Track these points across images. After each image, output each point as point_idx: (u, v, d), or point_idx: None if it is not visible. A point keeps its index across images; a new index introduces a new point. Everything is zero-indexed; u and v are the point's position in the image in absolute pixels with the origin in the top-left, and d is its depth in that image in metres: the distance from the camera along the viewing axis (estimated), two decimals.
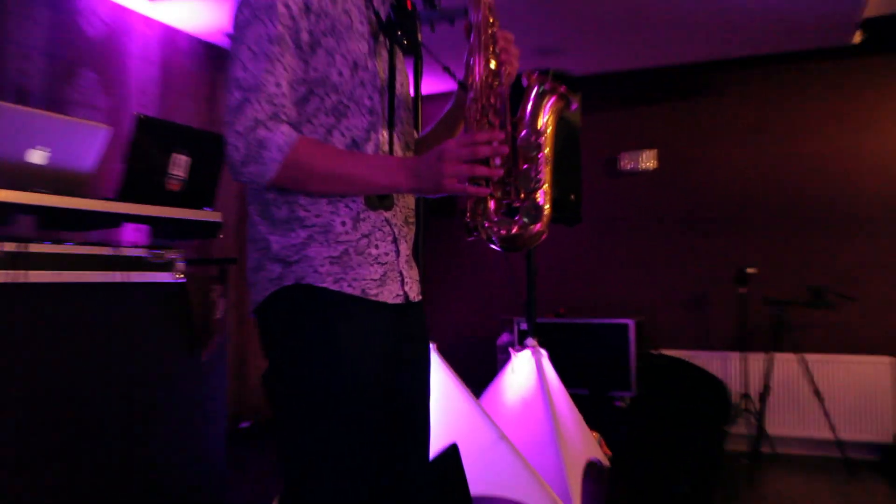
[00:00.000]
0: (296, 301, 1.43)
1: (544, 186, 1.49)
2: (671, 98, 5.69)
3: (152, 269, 2.78)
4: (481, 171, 1.38)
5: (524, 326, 4.98)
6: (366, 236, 1.48)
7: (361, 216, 1.48)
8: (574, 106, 1.59)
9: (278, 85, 1.40)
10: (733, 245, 5.42)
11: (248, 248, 1.54)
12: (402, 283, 1.55)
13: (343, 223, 1.46)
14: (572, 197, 3.95)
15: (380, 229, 1.51)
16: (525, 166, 1.49)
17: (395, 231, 1.55)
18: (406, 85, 1.67)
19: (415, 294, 1.60)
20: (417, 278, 1.65)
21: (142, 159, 2.79)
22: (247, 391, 5.26)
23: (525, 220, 1.48)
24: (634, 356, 5.07)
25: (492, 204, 1.49)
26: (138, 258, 2.73)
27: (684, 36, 5.12)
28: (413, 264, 1.62)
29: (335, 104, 1.47)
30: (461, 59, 1.59)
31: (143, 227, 4.11)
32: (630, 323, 5.10)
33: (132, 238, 4.17)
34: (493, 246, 1.53)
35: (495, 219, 1.49)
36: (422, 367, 1.64)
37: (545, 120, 1.54)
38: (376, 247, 1.49)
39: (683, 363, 5.22)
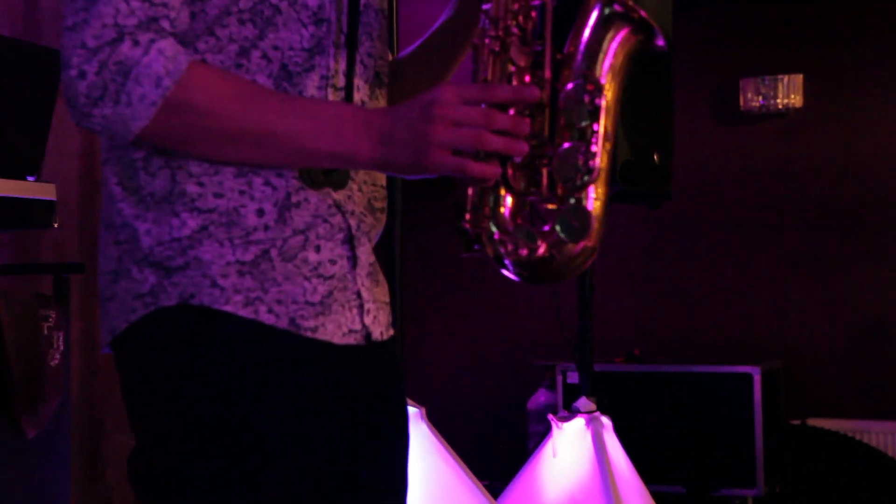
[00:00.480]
0: (180, 333, 1.46)
1: (599, 182, 1.49)
2: None
3: None
4: (495, 142, 1.40)
5: (574, 379, 5.03)
6: (300, 232, 1.49)
7: (293, 199, 1.49)
8: (661, 42, 1.56)
9: None
10: None
11: (102, 238, 1.55)
12: (361, 310, 1.56)
13: (260, 212, 1.48)
14: (656, 157, 4.01)
15: (325, 220, 1.52)
16: (569, 144, 1.48)
17: (353, 224, 1.55)
18: None
19: (381, 328, 1.63)
20: (386, 299, 1.67)
21: None
22: (103, 487, 5.30)
23: (562, 233, 1.47)
24: (762, 430, 5.12)
25: (508, 201, 1.50)
26: None
27: None
28: (379, 277, 1.64)
29: (257, 3, 1.49)
30: None
31: None
32: (755, 372, 5.16)
33: None
34: (505, 272, 1.54)
35: (512, 227, 1.49)
36: (394, 449, 1.67)
37: (608, 67, 1.52)
38: (317, 249, 1.49)
39: (847, 440, 5.25)
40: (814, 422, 5.40)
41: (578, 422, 3.88)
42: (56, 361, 3.09)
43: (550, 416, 3.98)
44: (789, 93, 5.72)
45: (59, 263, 3.52)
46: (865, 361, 5.57)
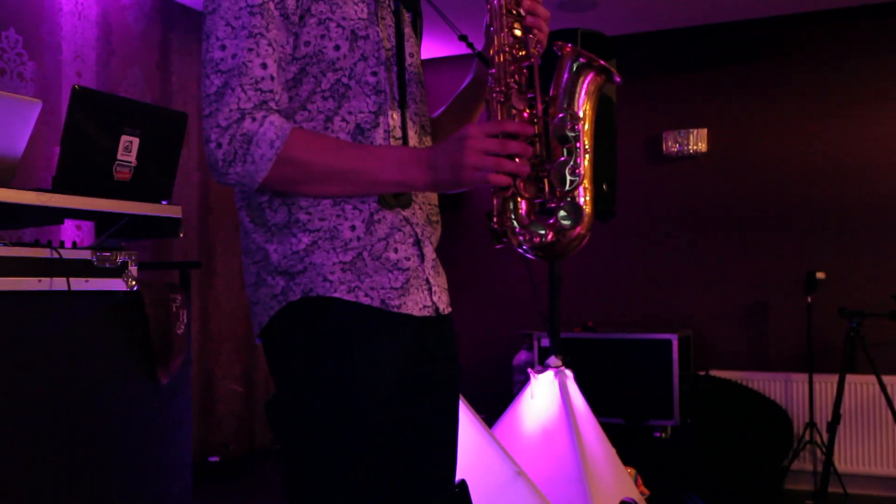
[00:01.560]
0: (306, 318, 1.48)
1: (584, 182, 1.53)
2: (725, 63, 5.74)
3: (99, 274, 2.82)
4: (509, 165, 1.42)
5: (546, 343, 5.03)
6: (383, 239, 1.52)
7: (375, 217, 1.51)
8: (617, 80, 1.61)
9: (265, 66, 1.43)
10: (799, 245, 5.46)
11: (244, 262, 1.58)
12: (430, 292, 1.60)
13: (353, 227, 1.50)
14: (605, 187, 4.00)
15: (399, 230, 1.54)
16: (561, 159, 1.52)
17: (418, 231, 1.58)
18: (417, 55, 1.69)
19: (444, 305, 1.66)
20: (446, 286, 1.70)
21: (82, 141, 2.82)
22: (215, 420, 5.31)
23: (563, 222, 1.52)
24: (678, 379, 5.12)
25: (522, 205, 1.53)
26: (82, 262, 2.76)
27: None
28: (440, 270, 1.67)
29: (333, 84, 1.50)
30: (478, 19, 1.61)
31: (87, 224, 4.17)
32: (673, 339, 5.15)
33: (74, 236, 4.21)
34: (527, 255, 1.58)
35: (527, 223, 1.53)
36: (452, 393, 1.71)
37: (583, 101, 1.56)
38: (395, 250, 1.53)
39: (737, 387, 5.27)
40: (714, 372, 5.41)
41: (549, 374, 3.88)
42: (181, 331, 3.09)
43: (529, 370, 3.99)
44: (697, 141, 5.73)
45: (184, 262, 3.51)
46: (750, 330, 5.57)
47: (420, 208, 1.60)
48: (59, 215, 2.78)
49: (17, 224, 2.83)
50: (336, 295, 1.47)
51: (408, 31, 1.64)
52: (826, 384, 5.17)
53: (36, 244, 2.70)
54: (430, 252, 1.61)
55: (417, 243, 1.57)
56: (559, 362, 3.94)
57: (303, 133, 1.45)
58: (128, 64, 5.06)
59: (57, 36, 4.64)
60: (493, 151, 1.41)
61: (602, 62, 1.58)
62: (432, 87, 1.86)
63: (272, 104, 1.45)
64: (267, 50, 1.43)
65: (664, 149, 5.81)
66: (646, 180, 5.82)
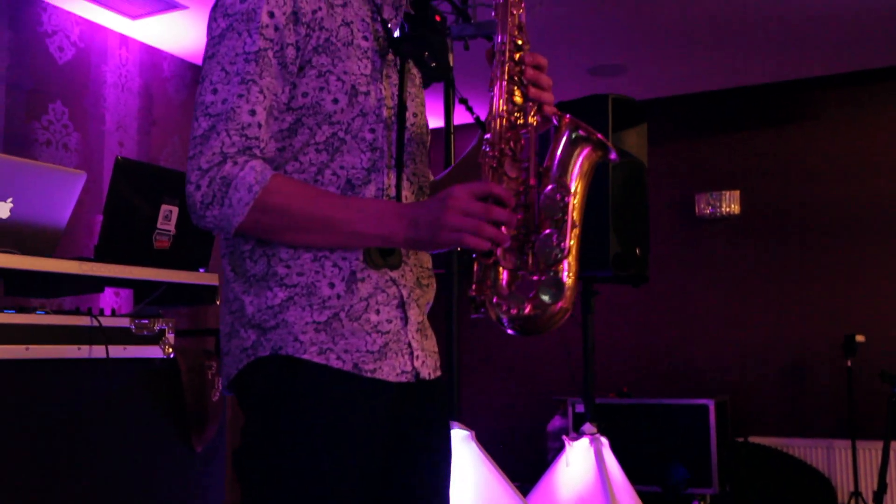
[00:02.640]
0: (272, 375, 1.44)
1: (569, 257, 1.47)
2: (756, 126, 5.76)
3: (137, 342, 2.85)
4: (489, 230, 1.37)
5: (580, 409, 4.98)
6: (364, 299, 1.46)
7: (359, 276, 1.46)
8: (613, 156, 1.55)
9: (253, 113, 1.41)
10: (837, 307, 5.41)
11: (222, 310, 1.54)
12: (411, 356, 1.53)
13: (331, 285, 1.45)
14: (637, 251, 4.00)
15: (382, 291, 1.49)
16: (547, 231, 1.47)
17: (404, 293, 1.52)
18: (421, 115, 1.66)
19: (430, 370, 1.58)
20: (435, 349, 1.61)
21: (124, 211, 2.89)
22: None
23: (543, 297, 1.45)
24: (716, 445, 5.05)
25: (504, 275, 1.47)
26: (121, 330, 2.80)
27: (771, 49, 5.22)
28: (428, 333, 1.59)
29: (328, 138, 1.48)
30: None
31: (126, 290, 4.23)
32: (710, 404, 5.08)
33: (112, 302, 4.28)
34: (503, 328, 1.51)
35: (506, 294, 1.47)
36: (436, 459, 1.62)
37: (576, 175, 1.51)
38: (377, 312, 1.48)
39: (777, 453, 5.17)
40: (753, 439, 5.32)
41: (584, 441, 3.84)
42: (216, 398, 3.09)
43: (564, 437, 3.95)
44: (730, 203, 5.73)
45: (219, 329, 3.51)
46: (789, 394, 5.49)
47: (411, 270, 1.55)
48: (100, 284, 2.83)
49: (60, 292, 2.88)
50: (305, 357, 1.42)
51: (413, 90, 1.62)
52: (870, 451, 5.06)
53: (76, 312, 2.74)
54: (415, 315, 1.55)
55: (402, 305, 1.52)
56: (594, 429, 3.90)
57: (283, 179, 1.43)
58: (168, 133, 5.19)
59: (101, 107, 4.78)
60: (475, 214, 1.37)
61: (600, 136, 1.53)
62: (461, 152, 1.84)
63: (256, 151, 1.42)
64: (258, 97, 1.42)
65: (697, 211, 5.81)
66: (679, 242, 5.81)
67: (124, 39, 5.00)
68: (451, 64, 3.97)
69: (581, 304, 3.97)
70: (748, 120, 5.80)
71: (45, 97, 4.49)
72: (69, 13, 4.67)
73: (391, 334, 1.49)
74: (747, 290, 5.64)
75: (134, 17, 4.75)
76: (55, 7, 4.60)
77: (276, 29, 1.44)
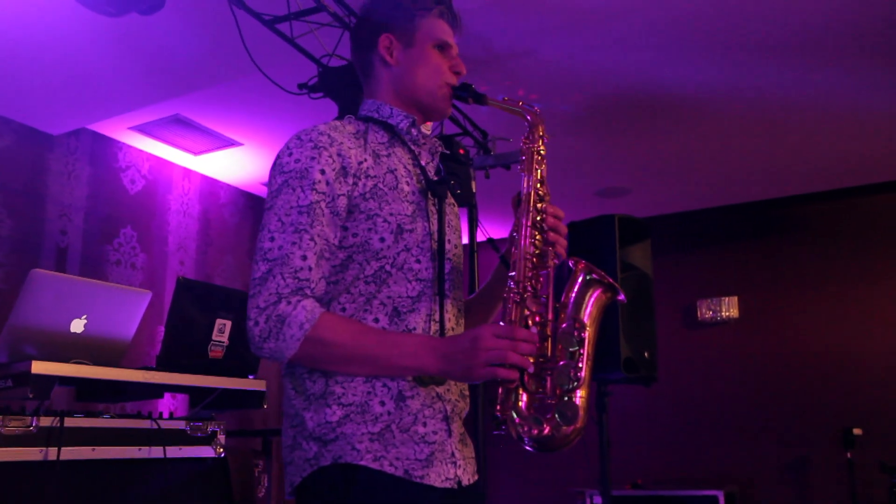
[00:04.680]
0: (334, 481, 1.45)
1: (583, 386, 1.51)
2: (752, 238, 5.79)
3: (192, 442, 2.86)
4: (514, 357, 1.41)
5: (598, 501, 4.86)
6: (413, 414, 1.49)
7: (407, 394, 1.50)
8: (622, 297, 1.62)
9: (304, 258, 1.46)
10: (836, 402, 5.29)
11: (284, 424, 1.55)
12: (454, 465, 1.55)
13: (382, 403, 1.48)
14: (646, 354, 3.97)
15: (429, 406, 1.52)
16: (563, 362, 1.51)
17: (448, 408, 1.55)
18: (459, 244, 1.71)
19: (469, 476, 1.60)
20: (472, 455, 1.63)
21: (183, 325, 2.95)
22: None
23: (558, 420, 1.49)
24: None
25: (524, 398, 1.50)
26: (177, 431, 2.82)
27: (763, 170, 5.29)
28: (467, 441, 1.61)
29: (376, 271, 1.52)
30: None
31: (182, 394, 4.26)
32: (719, 495, 4.93)
33: (169, 404, 4.30)
34: (522, 444, 1.53)
35: (526, 415, 1.50)
36: None
37: (589, 312, 1.57)
38: (424, 424, 1.50)
39: None
40: None
41: None
42: (262, 493, 3.07)
43: None
44: (729, 308, 5.71)
45: (266, 430, 3.52)
46: (793, 485, 5.33)
47: (455, 384, 1.58)
48: (160, 390, 2.87)
49: (124, 398, 2.92)
50: (363, 463, 1.44)
51: (453, 223, 1.68)
52: None
53: (138, 415, 2.77)
54: (457, 427, 1.58)
55: (446, 419, 1.54)
56: None
57: (331, 318, 1.46)
58: (223, 252, 5.31)
59: (165, 231, 4.92)
60: (501, 349, 1.41)
61: (610, 280, 1.60)
62: (488, 266, 1.87)
63: (308, 291, 1.46)
64: (309, 244, 1.46)
65: (699, 315, 5.79)
66: (684, 345, 5.77)
67: (187, 172, 5.19)
68: (474, 190, 4.08)
69: (596, 404, 3.93)
70: (744, 233, 5.83)
71: (118, 223, 4.63)
72: (141, 151, 4.87)
73: (437, 444, 1.52)
74: (749, 387, 5.56)
75: (196, 153, 4.94)
76: (129, 146, 4.80)
77: (328, 183, 1.50)
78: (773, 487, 5.36)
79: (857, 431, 5.02)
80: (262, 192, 5.64)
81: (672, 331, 5.73)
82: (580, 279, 1.59)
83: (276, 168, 1.55)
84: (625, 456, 5.46)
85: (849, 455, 4.99)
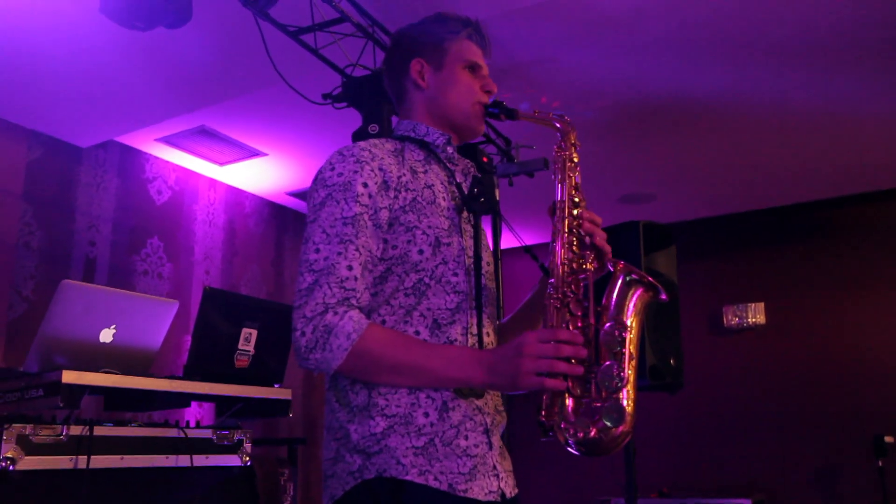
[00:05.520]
0: (379, 495, 1.45)
1: (628, 386, 1.49)
2: (777, 243, 5.73)
3: (219, 451, 2.88)
4: (561, 367, 1.41)
5: None
6: (454, 426, 1.49)
7: (450, 405, 1.50)
8: (664, 296, 1.60)
9: (350, 268, 1.47)
10: (866, 409, 5.22)
11: (326, 437, 1.54)
12: (497, 478, 1.54)
13: (426, 414, 1.48)
14: (672, 361, 3.95)
15: (470, 419, 1.52)
16: (608, 363, 1.50)
17: (488, 421, 1.55)
18: (492, 263, 1.72)
19: (511, 489, 1.59)
20: (511, 469, 1.62)
21: (210, 335, 2.98)
22: None
23: (606, 422, 1.47)
24: None
25: (570, 402, 1.49)
26: (204, 440, 2.84)
27: (787, 175, 5.24)
28: (506, 454, 1.60)
29: (415, 283, 1.53)
30: (541, 215, 1.63)
31: (208, 403, 4.29)
32: (748, 502, 4.88)
33: (196, 414, 4.33)
34: (570, 449, 1.52)
35: (573, 419, 1.49)
36: None
37: (631, 313, 1.56)
38: (466, 437, 1.50)
39: None
40: None
41: None
42: (288, 502, 3.09)
43: None
44: (756, 314, 5.66)
45: (291, 438, 3.54)
46: (823, 493, 5.26)
47: (491, 398, 1.59)
48: (187, 399, 2.89)
49: (152, 407, 2.95)
50: (408, 478, 1.44)
51: (485, 241, 1.68)
52: None
53: (165, 424, 2.79)
54: (496, 440, 1.58)
55: (486, 432, 1.54)
56: None
57: (378, 329, 1.47)
58: (248, 262, 5.35)
59: (191, 241, 4.97)
60: (546, 355, 1.41)
61: (650, 279, 1.59)
62: (509, 274, 1.86)
63: (354, 301, 1.46)
64: (354, 254, 1.47)
65: (725, 322, 5.74)
66: (710, 352, 5.72)
67: (213, 183, 5.24)
68: (498, 198, 4.08)
69: None
70: (768, 238, 5.78)
71: (145, 233, 4.69)
72: (167, 162, 4.92)
73: (479, 458, 1.51)
74: (779, 396, 5.50)
75: (222, 163, 4.99)
76: (156, 157, 4.86)
77: (370, 196, 1.52)
78: (802, 496, 5.29)
79: (888, 439, 4.94)
80: (287, 202, 5.68)
81: (698, 338, 5.68)
82: (620, 280, 1.58)
83: (319, 182, 1.56)
84: (651, 464, 5.42)
85: (880, 463, 4.91)
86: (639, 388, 4.02)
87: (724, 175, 5.22)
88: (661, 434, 5.57)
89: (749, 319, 5.66)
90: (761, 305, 5.66)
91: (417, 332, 1.52)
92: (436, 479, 1.45)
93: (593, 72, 3.89)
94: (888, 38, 3.58)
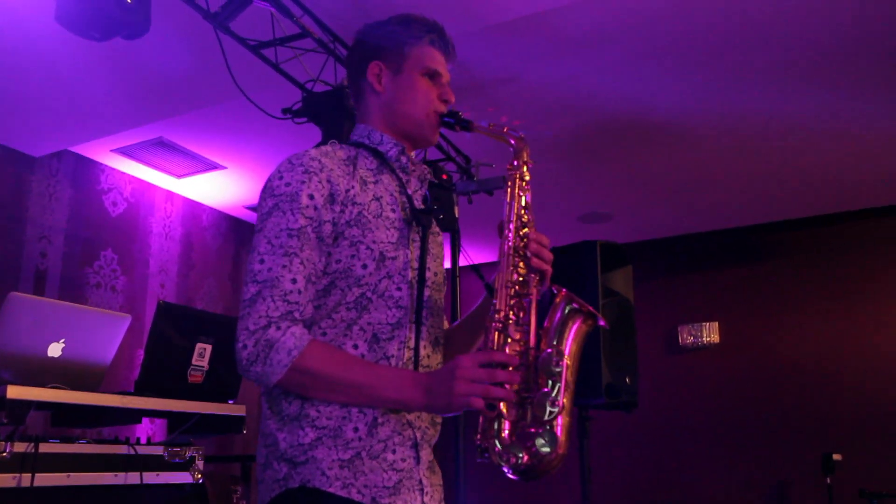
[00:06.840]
0: None
1: (563, 414, 1.50)
2: (732, 263, 5.82)
3: (170, 468, 2.82)
4: (495, 392, 1.42)
5: None
6: (382, 441, 1.50)
7: (380, 420, 1.50)
8: (602, 323, 1.61)
9: (294, 281, 1.46)
10: (816, 427, 5.31)
11: (258, 443, 1.55)
12: (422, 492, 1.54)
13: (355, 429, 1.48)
14: (628, 380, 3.96)
15: (399, 433, 1.52)
16: (544, 390, 1.50)
17: (418, 435, 1.55)
18: (441, 272, 1.70)
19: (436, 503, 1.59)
20: (440, 483, 1.63)
21: (163, 349, 2.92)
22: None
23: (541, 449, 1.47)
24: None
25: (506, 426, 1.49)
26: (155, 457, 2.78)
27: (742, 197, 5.33)
28: (436, 469, 1.61)
29: (358, 297, 1.52)
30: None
31: (160, 419, 4.21)
32: None
33: (148, 430, 4.24)
34: (504, 472, 1.52)
35: (508, 443, 1.49)
36: None
37: (570, 341, 1.56)
38: (393, 451, 1.51)
39: None
40: None
41: None
42: None
43: None
44: (710, 333, 5.73)
45: (245, 455, 3.48)
46: None
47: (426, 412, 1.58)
48: (138, 415, 2.83)
49: (102, 423, 2.88)
50: (331, 490, 1.44)
51: (434, 251, 1.67)
52: None
53: (115, 441, 2.73)
54: (426, 454, 1.58)
55: (415, 446, 1.54)
56: None
57: (318, 347, 1.47)
58: (204, 276, 5.28)
59: (146, 254, 4.88)
60: (481, 380, 1.41)
61: (590, 308, 1.60)
62: (469, 291, 1.86)
63: (297, 314, 1.46)
64: (298, 267, 1.47)
65: (680, 340, 5.80)
66: (666, 370, 5.78)
67: (170, 195, 5.16)
68: (457, 215, 4.08)
69: (577, 430, 3.91)
70: (723, 258, 5.87)
71: (98, 245, 4.60)
72: (123, 173, 4.84)
73: (405, 472, 1.51)
74: (730, 412, 5.57)
75: (179, 176, 4.92)
76: (112, 168, 4.77)
77: (315, 209, 1.51)
78: None
79: (836, 457, 5.01)
80: (245, 215, 5.62)
81: (653, 356, 5.73)
82: (561, 308, 1.58)
83: (267, 191, 1.55)
84: (606, 482, 5.44)
85: (828, 481, 4.98)
86: (595, 407, 4.02)
87: (681, 196, 5.30)
88: (617, 452, 5.60)
89: (704, 338, 5.74)
90: (715, 325, 5.74)
91: (356, 346, 1.52)
92: (359, 492, 1.46)
93: (554, 91, 3.93)
94: (848, 59, 3.67)
